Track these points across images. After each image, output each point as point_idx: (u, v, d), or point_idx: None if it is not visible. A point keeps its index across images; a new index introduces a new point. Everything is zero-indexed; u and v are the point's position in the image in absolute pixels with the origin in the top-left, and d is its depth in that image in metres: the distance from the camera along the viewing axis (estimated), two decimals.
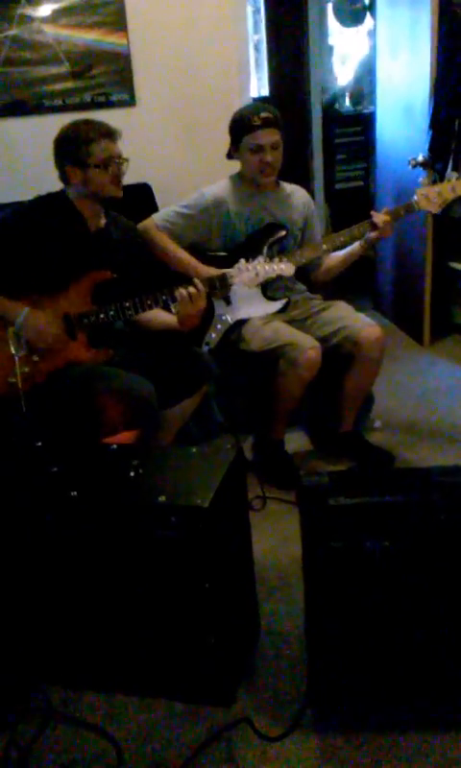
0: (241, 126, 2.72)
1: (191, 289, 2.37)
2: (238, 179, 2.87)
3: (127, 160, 2.39)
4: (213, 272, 2.67)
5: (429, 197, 2.78)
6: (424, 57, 3.60)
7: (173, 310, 2.44)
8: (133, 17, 3.47)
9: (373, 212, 2.78)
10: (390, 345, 2.93)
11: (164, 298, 2.39)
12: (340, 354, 2.76)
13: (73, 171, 2.35)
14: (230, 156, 2.85)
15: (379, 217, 2.75)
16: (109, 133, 2.35)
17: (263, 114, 2.68)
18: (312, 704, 1.77)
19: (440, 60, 3.56)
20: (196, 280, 2.40)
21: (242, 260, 2.46)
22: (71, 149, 2.34)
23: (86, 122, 2.36)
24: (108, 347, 2.44)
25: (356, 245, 2.85)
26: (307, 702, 1.78)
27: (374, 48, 4.55)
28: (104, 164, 2.33)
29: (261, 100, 4.94)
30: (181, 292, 2.37)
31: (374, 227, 2.76)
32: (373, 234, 2.77)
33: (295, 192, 2.97)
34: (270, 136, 2.69)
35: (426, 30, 3.55)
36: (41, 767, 1.69)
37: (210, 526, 1.65)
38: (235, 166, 2.89)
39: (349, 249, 2.89)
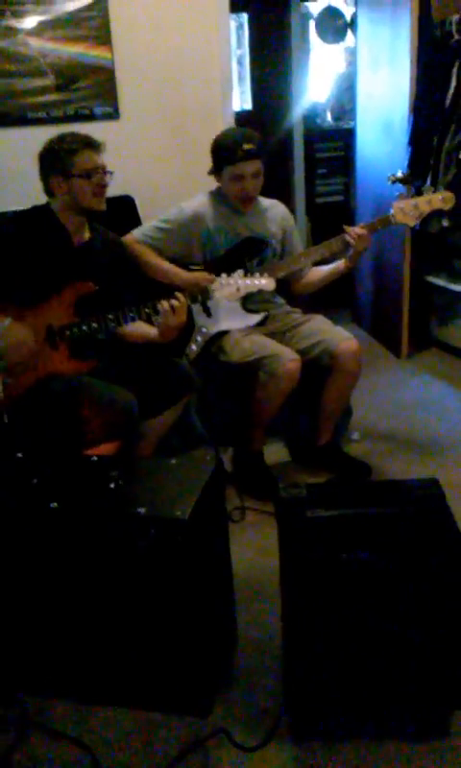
0: (224, 155, 2.74)
1: (173, 302, 2.39)
2: (217, 194, 2.90)
3: (111, 173, 2.42)
4: (197, 275, 2.71)
5: (406, 210, 2.82)
6: (404, 73, 3.67)
7: (155, 322, 2.46)
8: (117, 31, 3.50)
9: (345, 227, 2.81)
10: (368, 358, 2.97)
11: (146, 311, 2.41)
12: (318, 367, 2.79)
13: (57, 182, 2.38)
14: (212, 173, 2.87)
15: (352, 233, 2.78)
16: (92, 144, 2.39)
17: (246, 146, 2.70)
18: (289, 714, 1.79)
19: (419, 78, 3.62)
20: (178, 294, 2.43)
21: (224, 274, 2.49)
22: (55, 160, 2.37)
23: (70, 134, 2.41)
24: (90, 358, 2.45)
25: (341, 263, 2.89)
26: (284, 712, 1.79)
27: (354, 64, 4.61)
28: (87, 174, 2.36)
29: (244, 114, 4.99)
30: (164, 304, 2.39)
31: (345, 243, 2.80)
32: (351, 252, 2.81)
33: (273, 207, 3.00)
34: (251, 167, 2.73)
35: (406, 47, 3.61)
36: None
37: (190, 538, 1.67)
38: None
39: (332, 266, 2.93)
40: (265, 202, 2.99)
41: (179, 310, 2.40)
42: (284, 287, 3.01)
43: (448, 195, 2.85)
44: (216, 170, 2.81)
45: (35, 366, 2.37)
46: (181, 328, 2.48)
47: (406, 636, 1.67)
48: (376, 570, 1.63)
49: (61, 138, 2.39)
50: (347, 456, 2.97)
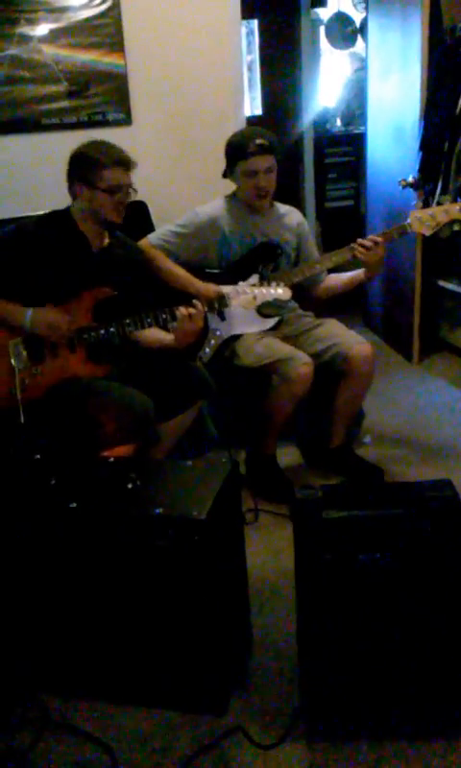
0: (236, 151, 2.77)
1: (191, 309, 2.42)
2: (233, 198, 2.93)
3: (135, 191, 2.44)
4: (212, 288, 2.73)
5: (423, 220, 2.83)
6: (415, 79, 3.69)
7: (170, 328, 2.49)
8: (130, 38, 3.54)
9: (355, 245, 2.79)
10: (380, 362, 2.99)
11: (164, 316, 2.44)
12: (331, 371, 2.81)
13: (81, 189, 2.40)
14: (225, 175, 2.90)
15: (361, 252, 2.76)
16: (125, 163, 2.39)
17: (258, 141, 2.72)
18: (305, 713, 1.80)
19: (430, 83, 3.64)
20: (195, 301, 2.45)
21: (241, 282, 2.52)
22: (85, 168, 2.38)
23: (107, 146, 2.40)
24: (106, 362, 2.48)
25: (361, 272, 2.91)
26: (300, 711, 1.81)
27: (365, 70, 4.63)
28: (111, 191, 2.37)
29: (254, 119, 5.02)
30: (182, 311, 2.42)
31: (352, 254, 2.79)
32: (367, 262, 2.81)
33: (289, 213, 3.03)
34: (264, 162, 2.74)
35: (417, 53, 3.63)
36: None
37: (207, 538, 1.69)
38: (230, 185, 2.94)
39: (352, 274, 2.95)
40: (282, 208, 3.02)
41: (196, 317, 2.43)
42: (302, 292, 3.04)
43: None
44: (229, 168, 2.83)
45: (57, 362, 2.40)
46: (198, 335, 2.51)
47: (421, 636, 1.68)
48: (391, 571, 1.64)
49: (97, 147, 2.39)
50: (359, 459, 2.99)
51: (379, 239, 2.78)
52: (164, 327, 2.51)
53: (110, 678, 1.92)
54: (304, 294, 3.05)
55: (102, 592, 1.82)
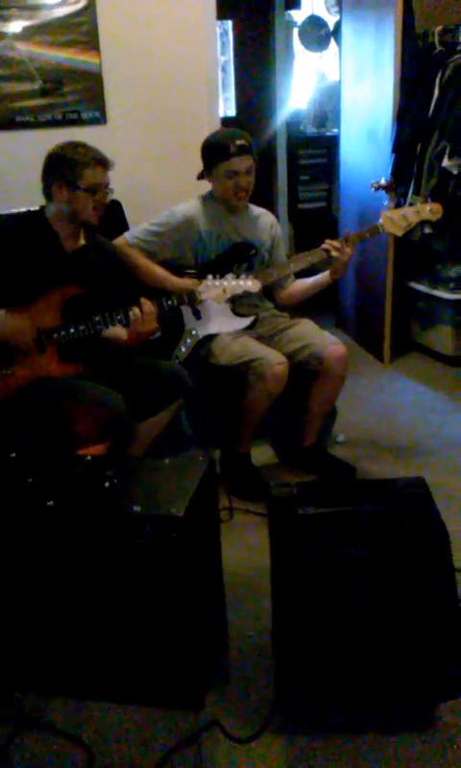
0: (217, 152, 2.78)
1: (142, 308, 2.43)
2: (209, 198, 2.94)
3: (112, 190, 2.45)
4: (189, 283, 2.74)
5: (394, 220, 2.87)
6: (388, 82, 3.73)
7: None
8: (105, 37, 3.54)
9: (327, 241, 2.82)
10: (352, 362, 3.02)
11: (119, 317, 2.45)
12: (305, 371, 2.84)
13: (59, 190, 2.39)
14: (201, 176, 2.91)
15: (333, 248, 2.79)
16: (104, 162, 2.40)
17: (239, 142, 2.75)
18: (281, 707, 1.82)
19: (402, 87, 3.69)
20: (145, 300, 2.45)
21: (209, 276, 2.53)
22: (64, 168, 2.37)
23: (84, 146, 2.40)
24: (78, 361, 2.47)
25: (325, 275, 2.92)
26: (277, 705, 1.83)
27: (337, 72, 4.67)
28: (92, 189, 2.38)
29: (228, 120, 5.04)
30: (135, 311, 2.43)
31: (327, 254, 2.81)
32: (335, 263, 2.84)
33: (263, 215, 3.05)
34: (245, 163, 2.77)
35: (390, 57, 3.68)
36: None
37: (184, 535, 1.70)
38: (206, 185, 2.95)
39: (315, 278, 2.98)
40: (256, 209, 3.04)
41: (148, 317, 2.44)
42: (269, 295, 3.07)
43: (437, 206, 2.91)
44: (208, 169, 2.84)
45: (28, 366, 2.39)
46: (151, 335, 2.51)
47: (395, 629, 1.71)
48: (366, 566, 1.67)
49: (75, 148, 2.39)
50: (332, 457, 3.02)
51: (339, 244, 2.80)
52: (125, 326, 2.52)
53: (87, 674, 1.92)
54: (271, 299, 3.09)
55: (79, 589, 1.82)
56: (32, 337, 2.38)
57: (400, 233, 2.92)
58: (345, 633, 1.72)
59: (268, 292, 3.00)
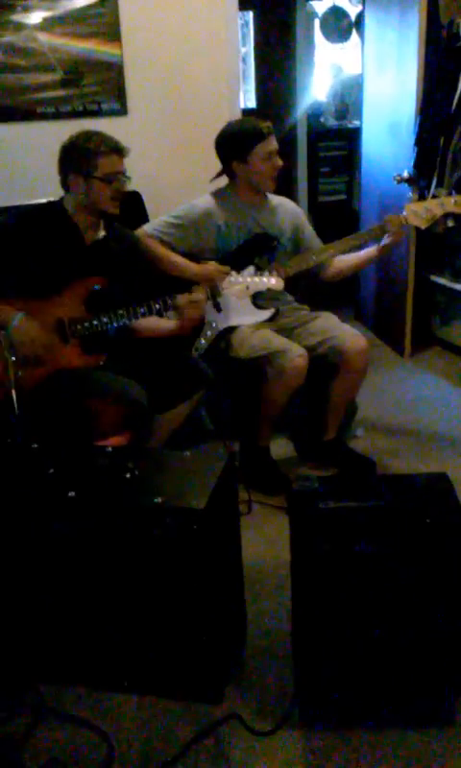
0: (251, 136, 2.77)
1: (195, 294, 2.45)
2: (224, 192, 2.94)
3: (129, 178, 2.43)
4: (211, 267, 2.72)
5: (418, 212, 2.86)
6: (411, 75, 3.70)
7: (166, 316, 2.50)
8: (126, 28, 3.52)
9: (390, 216, 2.87)
10: (372, 356, 3.01)
11: (157, 306, 2.45)
12: (325, 363, 2.82)
13: (76, 180, 2.39)
14: (219, 175, 2.92)
15: (393, 222, 2.84)
16: (119, 149, 2.39)
17: (267, 123, 2.79)
18: (300, 701, 1.82)
19: (426, 79, 3.65)
20: (195, 287, 2.47)
21: (233, 272, 2.53)
22: (79, 158, 2.37)
23: (97, 134, 2.39)
24: (100, 352, 2.48)
25: (373, 249, 2.94)
26: (296, 699, 1.83)
27: (360, 64, 4.64)
28: (108, 178, 2.37)
29: (248, 111, 5.01)
30: (185, 297, 2.45)
31: (383, 231, 2.86)
32: (388, 240, 2.87)
33: (283, 203, 3.04)
34: (275, 143, 2.80)
35: (414, 49, 3.64)
36: (34, 761, 1.72)
37: (205, 527, 1.70)
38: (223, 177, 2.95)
39: (365, 252, 2.99)
40: (274, 198, 3.02)
41: (200, 303, 2.45)
42: (311, 278, 3.06)
43: None
44: (241, 156, 2.81)
45: (47, 360, 2.39)
46: (200, 321, 2.51)
47: (415, 625, 1.70)
48: (387, 562, 1.66)
49: (88, 137, 2.37)
50: (352, 452, 3.01)
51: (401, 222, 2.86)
52: (160, 316, 2.52)
53: (107, 666, 1.93)
54: (311, 279, 3.06)
55: (99, 581, 1.83)
56: (44, 344, 2.36)
57: (423, 226, 2.91)
58: (364, 628, 1.71)
59: (308, 275, 3.00)
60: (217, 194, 2.95)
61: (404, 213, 2.86)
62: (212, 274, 2.64)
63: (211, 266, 2.74)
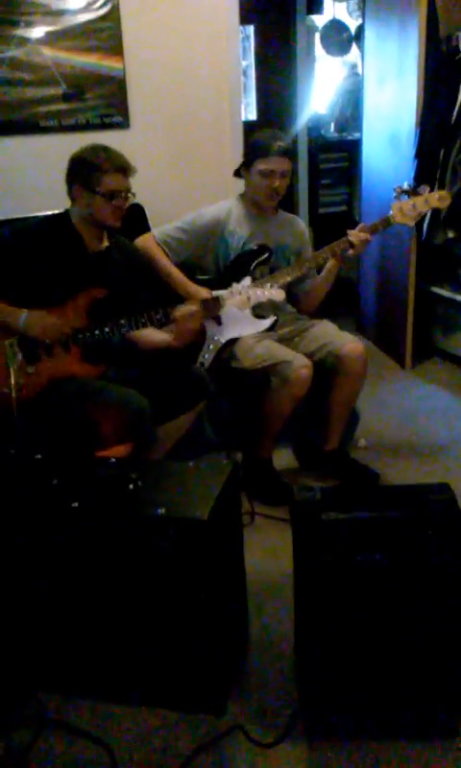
0: (258, 149, 2.82)
1: (189, 307, 2.46)
2: (243, 198, 2.99)
3: (134, 195, 2.46)
4: (205, 293, 2.76)
5: (404, 210, 2.89)
6: (411, 87, 3.72)
7: (164, 328, 2.51)
8: (129, 43, 3.56)
9: (348, 231, 2.87)
10: (373, 367, 3.02)
11: (158, 317, 2.46)
12: (324, 370, 2.83)
13: (79, 192, 2.42)
14: (238, 173, 2.96)
15: (355, 235, 2.85)
16: (124, 169, 2.42)
17: (280, 143, 2.80)
18: (303, 713, 1.82)
19: (426, 92, 3.68)
20: (190, 300, 2.48)
21: (234, 284, 2.55)
22: (83, 172, 2.40)
23: (106, 150, 2.42)
24: (102, 362, 2.49)
25: (330, 261, 2.94)
26: (298, 711, 1.82)
27: (359, 77, 4.67)
28: (109, 195, 2.39)
29: (248, 124, 5.03)
30: (183, 309, 2.46)
31: (350, 244, 2.86)
32: (350, 251, 2.88)
33: (294, 221, 3.10)
34: (281, 165, 2.81)
35: (413, 61, 3.66)
36: None
37: (208, 538, 1.70)
38: (225, 187, 2.97)
39: (324, 270, 2.99)
40: (287, 215, 3.08)
41: (196, 315, 2.46)
42: (292, 303, 3.08)
43: (444, 193, 2.94)
44: (246, 165, 2.87)
45: (52, 365, 2.41)
46: (197, 333, 2.52)
47: (418, 636, 1.70)
48: (390, 572, 1.66)
49: (96, 153, 2.40)
50: (355, 462, 3.00)
51: (364, 235, 2.85)
52: (160, 328, 2.53)
53: (110, 677, 1.93)
54: (297, 307, 3.11)
55: (102, 592, 1.83)
56: (63, 337, 2.40)
57: (411, 224, 2.96)
58: (367, 639, 1.71)
59: (289, 299, 3.02)
60: (237, 198, 3.00)
61: (390, 212, 2.88)
62: (204, 296, 2.69)
63: (205, 291, 2.79)
